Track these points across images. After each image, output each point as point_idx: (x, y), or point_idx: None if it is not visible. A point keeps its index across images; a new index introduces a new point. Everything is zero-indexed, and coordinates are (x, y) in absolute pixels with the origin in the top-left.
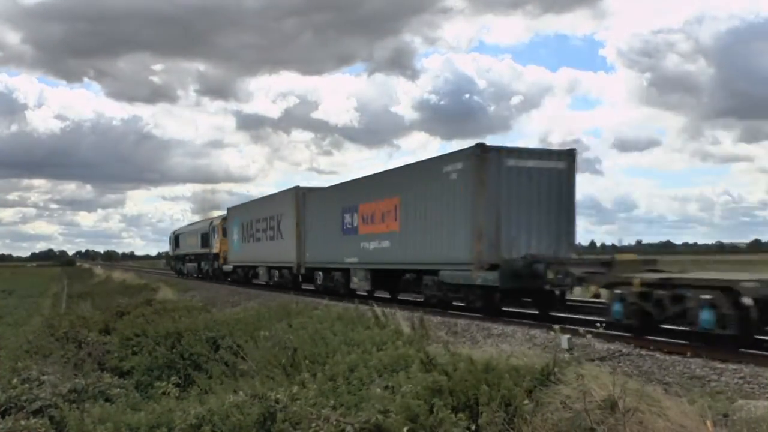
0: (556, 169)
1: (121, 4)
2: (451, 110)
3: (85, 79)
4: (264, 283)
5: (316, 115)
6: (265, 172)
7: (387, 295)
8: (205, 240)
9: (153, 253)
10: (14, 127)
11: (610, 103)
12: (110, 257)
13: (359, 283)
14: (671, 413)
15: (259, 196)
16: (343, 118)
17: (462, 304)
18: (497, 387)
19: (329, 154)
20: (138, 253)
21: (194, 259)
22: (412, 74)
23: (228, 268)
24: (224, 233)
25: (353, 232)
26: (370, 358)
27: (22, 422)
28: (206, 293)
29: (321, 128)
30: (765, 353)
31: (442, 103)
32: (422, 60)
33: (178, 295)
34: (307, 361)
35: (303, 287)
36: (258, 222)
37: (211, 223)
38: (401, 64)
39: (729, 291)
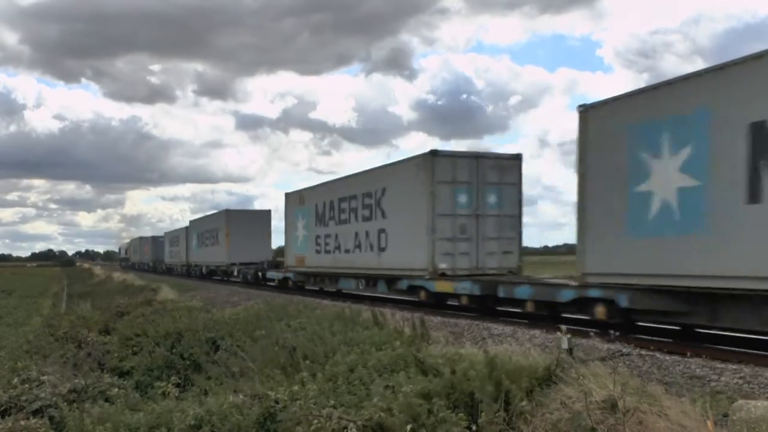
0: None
1: (118, 5)
2: (449, 110)
3: (83, 80)
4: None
5: (314, 115)
6: (264, 172)
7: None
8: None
9: None
10: (13, 128)
11: None
12: (110, 257)
13: None
14: (671, 413)
15: (259, 196)
16: (341, 118)
17: None
18: (497, 387)
19: (328, 154)
20: None
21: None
22: (410, 74)
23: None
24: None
25: None
26: (370, 359)
27: (22, 422)
28: (206, 293)
29: (319, 128)
30: (765, 353)
31: (439, 103)
32: (420, 60)
33: (179, 295)
34: (307, 361)
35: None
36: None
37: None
38: (399, 64)
39: None
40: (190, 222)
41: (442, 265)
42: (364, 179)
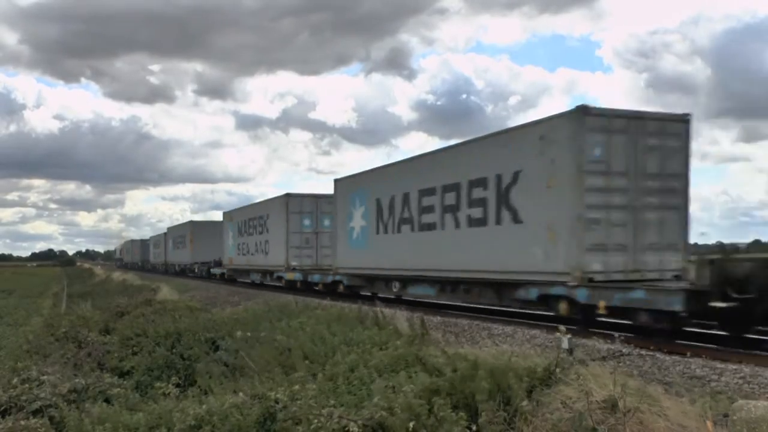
0: None
1: (117, 4)
2: (449, 110)
3: (83, 80)
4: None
5: (313, 115)
6: (264, 172)
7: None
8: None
9: None
10: (13, 128)
11: (608, 104)
12: (110, 257)
13: None
14: (671, 413)
15: (259, 196)
16: (340, 118)
17: None
18: (498, 387)
19: (328, 154)
20: None
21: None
22: (410, 74)
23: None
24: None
25: None
26: (370, 358)
27: (22, 422)
28: (206, 293)
29: (319, 128)
30: (765, 353)
31: (439, 103)
32: (419, 60)
33: (178, 295)
34: (306, 361)
35: None
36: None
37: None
38: (398, 64)
39: None
40: (168, 228)
41: (293, 263)
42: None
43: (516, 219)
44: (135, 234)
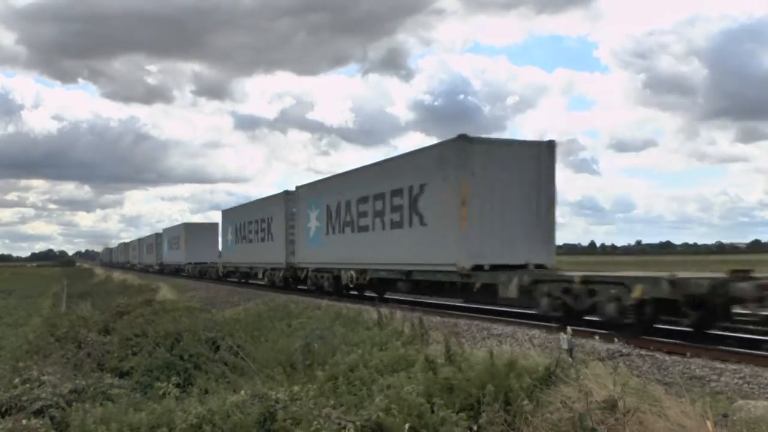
0: None
1: (114, 5)
2: (447, 110)
3: (80, 80)
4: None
5: (311, 115)
6: (263, 172)
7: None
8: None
9: None
10: (11, 128)
11: (606, 104)
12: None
13: None
14: (671, 413)
15: (258, 196)
16: (338, 118)
17: None
18: (499, 387)
19: (327, 154)
20: None
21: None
22: (407, 75)
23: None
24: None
25: None
26: (371, 359)
27: (23, 422)
28: (206, 293)
29: (317, 129)
30: (765, 353)
31: (436, 103)
32: (417, 61)
33: (178, 295)
34: (307, 362)
35: None
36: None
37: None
38: (396, 64)
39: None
40: (138, 239)
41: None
42: None
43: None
44: (134, 235)
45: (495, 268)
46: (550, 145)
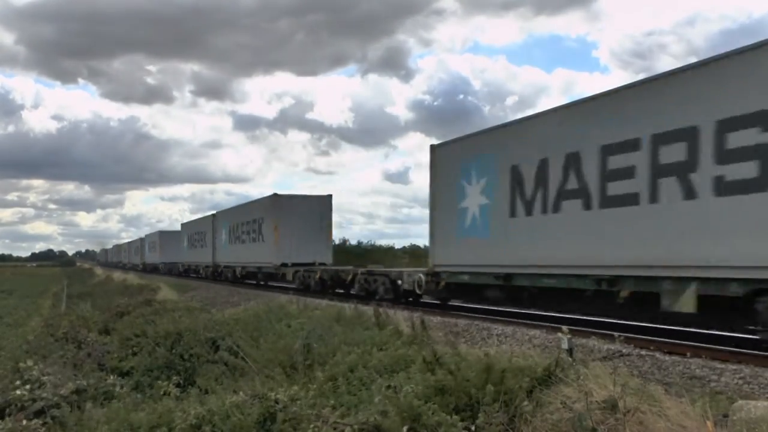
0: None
1: (114, 5)
2: (447, 111)
3: (80, 80)
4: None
5: (311, 116)
6: (263, 172)
7: None
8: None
9: None
10: (11, 128)
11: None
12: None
13: None
14: (671, 413)
15: (258, 196)
16: (338, 119)
17: None
18: (497, 387)
19: (326, 154)
20: None
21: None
22: (406, 75)
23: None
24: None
25: None
26: (370, 359)
27: (24, 422)
28: (206, 293)
29: (317, 129)
30: (765, 353)
31: (436, 103)
32: (417, 61)
33: (178, 295)
34: (307, 362)
35: None
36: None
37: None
38: (395, 65)
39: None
40: (128, 243)
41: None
42: None
43: None
44: (134, 235)
45: (295, 264)
46: (329, 197)
